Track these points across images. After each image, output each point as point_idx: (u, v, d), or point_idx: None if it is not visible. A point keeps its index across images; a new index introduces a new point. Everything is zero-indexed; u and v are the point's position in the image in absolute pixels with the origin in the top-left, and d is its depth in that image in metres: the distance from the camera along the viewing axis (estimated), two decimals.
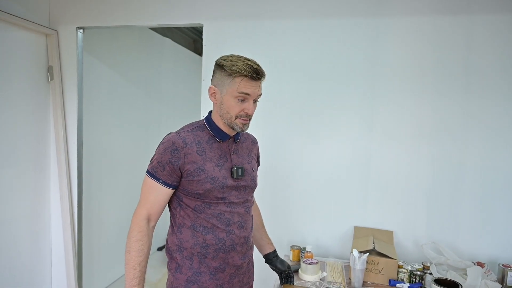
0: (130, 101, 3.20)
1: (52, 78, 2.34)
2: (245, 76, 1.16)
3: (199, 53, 4.63)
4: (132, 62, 3.21)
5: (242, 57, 1.20)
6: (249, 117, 1.23)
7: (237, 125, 1.22)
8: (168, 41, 3.80)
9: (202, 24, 2.19)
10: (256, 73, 1.17)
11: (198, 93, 2.36)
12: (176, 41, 4.01)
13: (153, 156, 1.24)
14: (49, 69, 2.34)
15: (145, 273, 1.22)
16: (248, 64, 1.17)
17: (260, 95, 1.23)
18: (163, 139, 1.24)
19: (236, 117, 1.21)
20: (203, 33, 2.20)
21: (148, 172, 1.23)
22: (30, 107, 2.25)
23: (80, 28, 2.36)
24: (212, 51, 2.18)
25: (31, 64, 2.24)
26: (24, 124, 2.21)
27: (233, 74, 1.16)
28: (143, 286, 1.20)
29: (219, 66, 1.21)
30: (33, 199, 2.31)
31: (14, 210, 2.17)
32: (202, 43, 4.91)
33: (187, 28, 4.24)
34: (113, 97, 2.96)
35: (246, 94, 1.18)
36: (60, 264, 2.44)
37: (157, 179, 1.21)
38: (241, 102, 1.19)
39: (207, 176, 1.20)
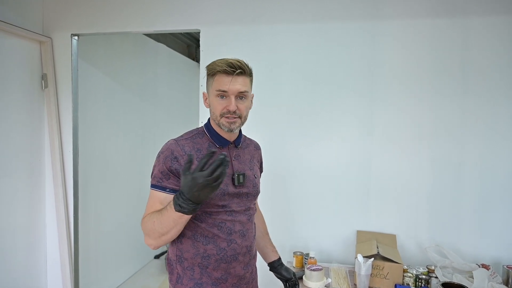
0: (125, 107, 3.16)
1: (46, 86, 2.29)
2: (219, 72, 1.16)
3: (193, 58, 4.61)
4: (127, 68, 3.18)
5: (226, 58, 1.19)
6: (236, 114, 1.19)
7: (223, 125, 1.20)
8: (162, 46, 3.77)
9: (199, 30, 2.17)
10: (230, 67, 1.14)
11: (192, 98, 2.33)
12: (170, 46, 3.99)
13: (154, 169, 1.20)
14: (43, 77, 2.29)
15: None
16: (224, 60, 1.16)
17: (243, 92, 1.18)
18: (162, 148, 1.21)
19: (221, 116, 1.19)
20: (200, 39, 2.18)
21: (152, 186, 1.18)
22: (24, 116, 2.20)
23: (75, 35, 2.32)
24: (209, 57, 2.15)
25: (25, 72, 2.20)
26: (18, 133, 2.16)
27: (210, 73, 1.19)
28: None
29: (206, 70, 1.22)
30: (28, 209, 2.26)
31: (8, 221, 2.12)
32: (195, 48, 4.89)
33: (181, 33, 4.22)
34: (109, 104, 2.92)
35: (223, 91, 1.16)
36: (56, 275, 2.38)
37: (163, 188, 1.16)
38: (222, 99, 1.18)
39: None
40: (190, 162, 0.99)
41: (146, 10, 2.23)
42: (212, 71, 1.18)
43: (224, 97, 1.18)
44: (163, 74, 3.81)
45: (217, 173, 0.96)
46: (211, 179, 0.96)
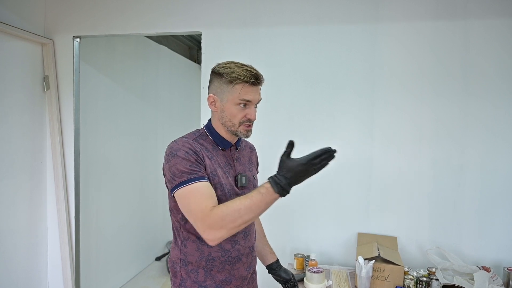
0: (127, 109, 3.17)
1: (48, 88, 2.30)
2: (246, 82, 1.14)
3: (195, 60, 4.62)
4: (129, 70, 3.19)
5: (239, 63, 1.18)
6: (252, 122, 1.21)
7: (241, 132, 1.20)
8: (164, 48, 3.79)
9: (201, 32, 2.18)
10: (256, 79, 1.16)
11: (194, 100, 2.33)
12: (172, 48, 4.00)
13: (176, 168, 1.11)
14: (45, 79, 2.30)
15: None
16: (247, 70, 1.15)
17: (260, 100, 1.22)
18: (173, 147, 1.16)
19: (240, 124, 1.19)
20: (202, 41, 2.18)
21: (183, 183, 1.09)
22: (26, 117, 2.21)
23: (77, 37, 2.33)
24: (211, 59, 2.16)
25: (27, 73, 2.21)
26: (20, 134, 2.17)
27: (233, 81, 1.15)
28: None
29: (217, 74, 1.18)
30: (29, 211, 2.26)
31: (9, 222, 2.12)
32: (197, 50, 4.90)
33: (182, 35, 4.23)
34: (110, 105, 2.93)
35: (248, 100, 1.17)
36: (57, 277, 2.38)
37: (202, 178, 1.10)
38: (243, 108, 1.18)
39: (219, 182, 1.17)
40: (291, 147, 1.09)
41: (148, 12, 2.24)
42: (235, 79, 1.14)
43: (245, 106, 1.18)
44: (164, 76, 3.82)
45: (323, 162, 1.05)
46: (317, 168, 1.05)
